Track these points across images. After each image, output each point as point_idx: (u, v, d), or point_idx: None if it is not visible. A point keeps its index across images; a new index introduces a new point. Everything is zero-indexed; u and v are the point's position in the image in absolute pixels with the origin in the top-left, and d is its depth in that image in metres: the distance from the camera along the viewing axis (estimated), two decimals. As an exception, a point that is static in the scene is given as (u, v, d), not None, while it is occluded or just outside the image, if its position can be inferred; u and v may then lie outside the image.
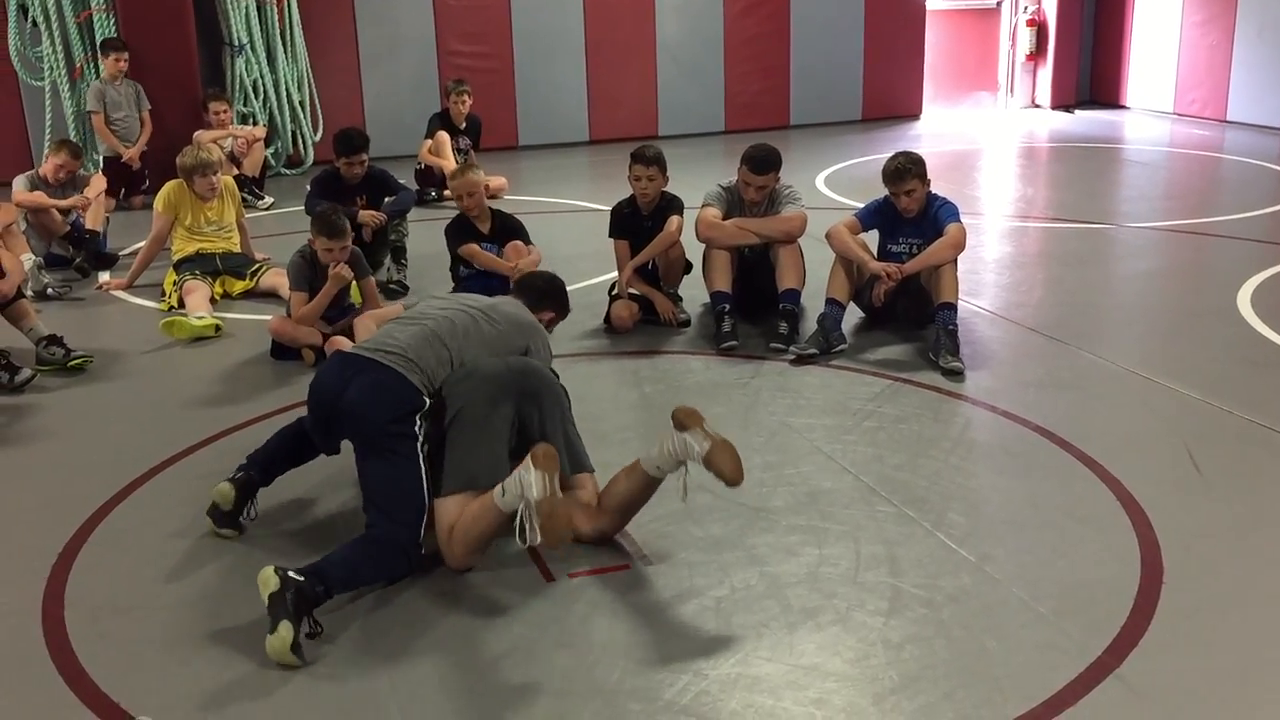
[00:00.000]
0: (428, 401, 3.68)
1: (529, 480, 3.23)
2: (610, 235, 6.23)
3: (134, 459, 4.56)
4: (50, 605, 3.50)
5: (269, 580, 3.19)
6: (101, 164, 9.80)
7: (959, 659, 3.12)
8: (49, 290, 7.01)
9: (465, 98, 9.75)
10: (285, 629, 3.10)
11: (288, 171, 11.27)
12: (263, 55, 10.87)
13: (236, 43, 10.63)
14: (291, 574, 3.21)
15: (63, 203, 7.59)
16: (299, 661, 3.12)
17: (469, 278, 6.24)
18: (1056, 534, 3.81)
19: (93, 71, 10.23)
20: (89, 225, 7.67)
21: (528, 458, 3.30)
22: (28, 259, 6.83)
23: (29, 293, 6.46)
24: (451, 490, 3.57)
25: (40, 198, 7.53)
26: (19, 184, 7.61)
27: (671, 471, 3.56)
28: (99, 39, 10.10)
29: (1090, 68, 14.77)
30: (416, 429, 3.62)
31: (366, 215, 6.96)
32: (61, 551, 3.83)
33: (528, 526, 3.24)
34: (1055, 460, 4.38)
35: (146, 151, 9.84)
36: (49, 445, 4.85)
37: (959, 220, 5.70)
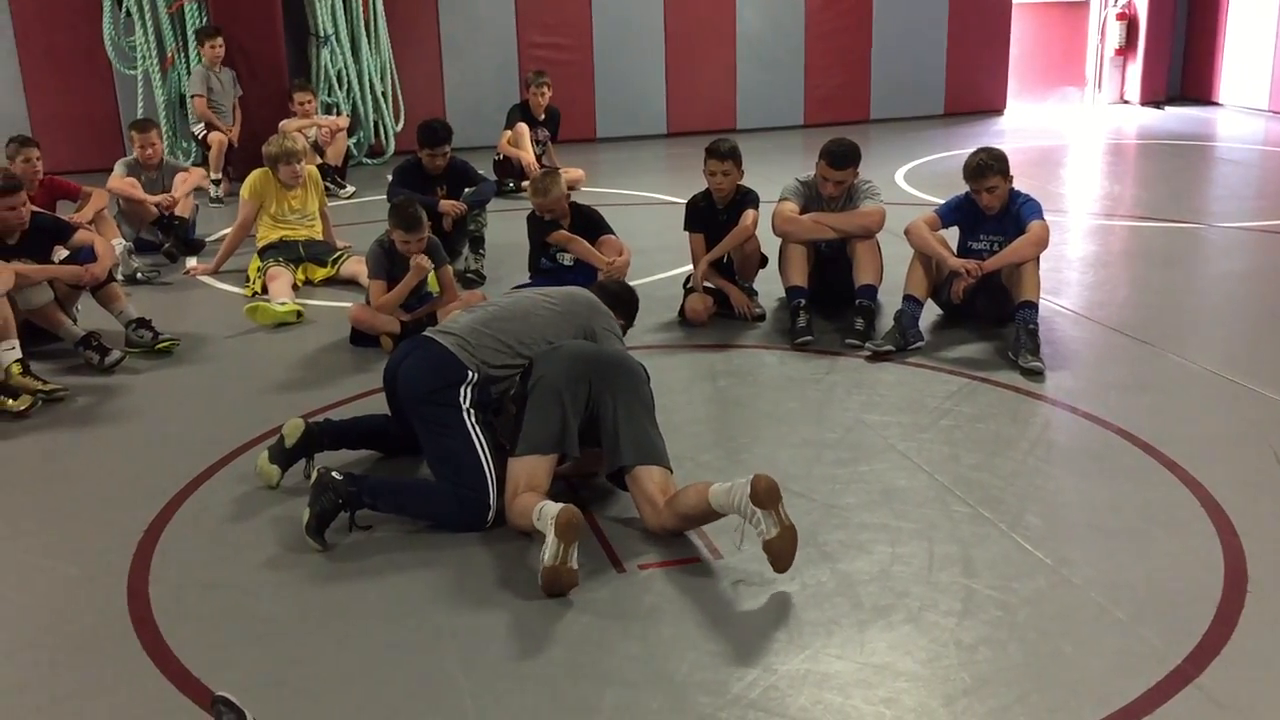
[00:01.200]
0: (473, 375, 3.95)
1: (549, 541, 3.40)
2: (685, 229, 6.23)
3: (217, 440, 4.67)
4: (135, 580, 3.61)
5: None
6: (194, 149, 10.07)
7: (1033, 662, 3.08)
8: (138, 275, 7.20)
9: (545, 89, 9.80)
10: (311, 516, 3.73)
11: (369, 161, 11.44)
12: (347, 46, 11.04)
13: (322, 33, 10.81)
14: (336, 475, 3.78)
15: (152, 199, 7.77)
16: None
17: (548, 270, 6.26)
18: (1137, 538, 3.74)
19: (183, 61, 10.49)
20: (178, 213, 7.86)
21: (555, 518, 3.39)
22: (118, 244, 7.03)
23: (119, 277, 6.64)
24: (521, 452, 3.78)
25: (133, 189, 7.72)
26: (117, 170, 7.83)
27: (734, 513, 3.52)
28: (189, 29, 10.35)
29: (1182, 63, 14.39)
30: (461, 399, 3.90)
31: (447, 205, 7.04)
32: (147, 528, 3.94)
33: (542, 560, 3.43)
34: (1137, 463, 4.29)
35: (241, 140, 10.07)
36: (136, 425, 4.99)
37: (1042, 217, 5.60)
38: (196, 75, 10.07)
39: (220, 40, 10.03)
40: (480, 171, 7.53)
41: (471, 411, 3.92)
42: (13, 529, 4.04)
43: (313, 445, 4.23)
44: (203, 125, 9.98)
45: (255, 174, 7.18)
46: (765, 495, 3.38)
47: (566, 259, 6.23)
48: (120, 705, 2.99)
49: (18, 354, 5.21)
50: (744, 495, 3.41)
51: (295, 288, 6.76)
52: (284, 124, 9.61)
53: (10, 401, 5.00)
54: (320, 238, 7.28)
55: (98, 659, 3.21)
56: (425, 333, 4.22)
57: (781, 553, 3.41)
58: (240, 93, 10.23)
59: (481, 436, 3.89)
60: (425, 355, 4.05)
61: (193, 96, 10.11)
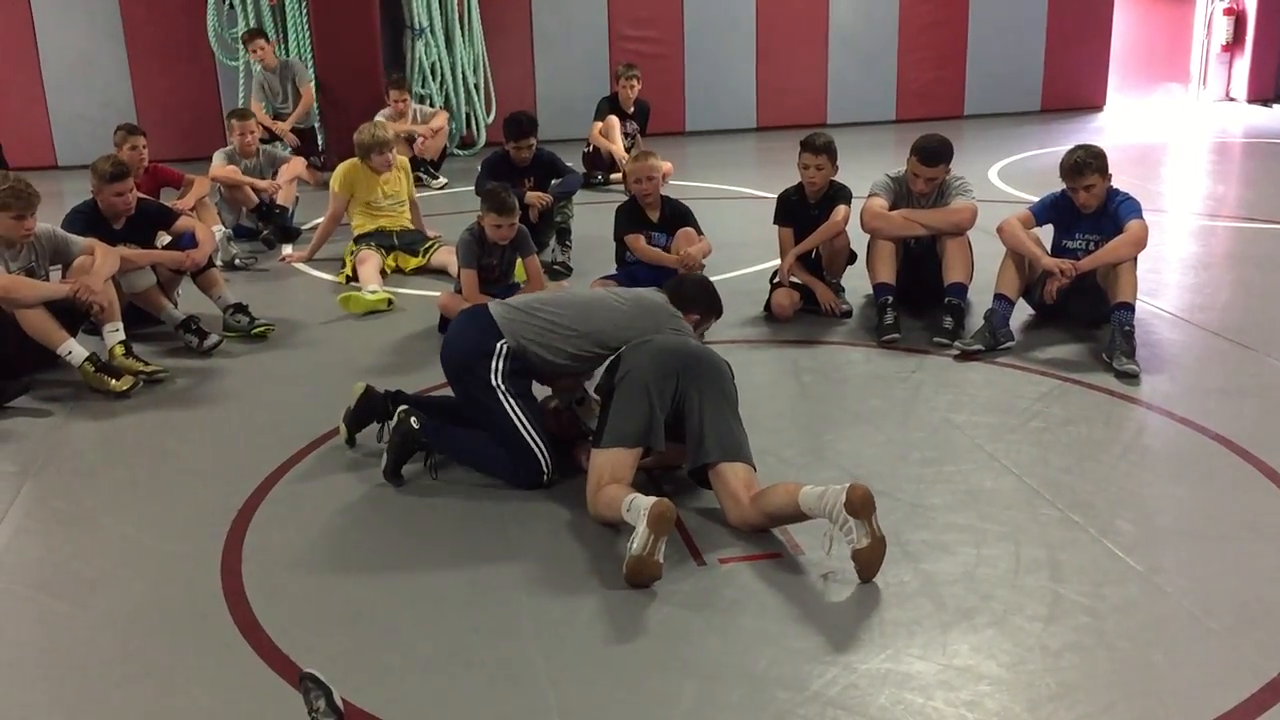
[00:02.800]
0: (503, 346, 4.11)
1: (640, 532, 3.42)
2: (775, 222, 6.19)
3: (310, 424, 4.77)
4: (229, 558, 3.71)
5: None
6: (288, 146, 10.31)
7: (1122, 671, 3.01)
8: (236, 261, 7.39)
9: (635, 82, 9.83)
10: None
11: (460, 153, 11.58)
12: (441, 38, 11.19)
13: (417, 26, 10.97)
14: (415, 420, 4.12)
15: (259, 183, 7.96)
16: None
17: (635, 264, 6.27)
18: (1233, 547, 3.64)
19: (284, 52, 10.72)
20: (279, 201, 8.04)
21: (648, 510, 3.41)
22: (218, 230, 7.22)
23: (219, 263, 6.82)
24: (607, 444, 3.81)
25: (235, 174, 7.92)
26: (217, 159, 8.04)
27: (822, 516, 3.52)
28: (289, 22, 10.58)
29: (1292, 59, 13.92)
30: (491, 374, 4.09)
31: (533, 197, 7.10)
32: (242, 507, 4.05)
33: (630, 550, 3.45)
34: (1235, 470, 4.17)
35: (316, 127, 10.20)
36: (232, 407, 5.13)
37: (1141, 216, 5.46)
38: (254, 84, 10.23)
39: (262, 41, 10.09)
40: (568, 164, 7.57)
41: (504, 386, 4.09)
42: (113, 505, 4.18)
43: (378, 409, 4.45)
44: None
45: (344, 165, 7.27)
46: (860, 505, 3.36)
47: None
48: (212, 679, 3.08)
49: (121, 335, 5.39)
50: (838, 503, 3.39)
51: (384, 274, 6.87)
52: (380, 118, 9.78)
53: (114, 382, 5.17)
54: (412, 226, 7.39)
55: (192, 633, 3.31)
56: (487, 305, 4.37)
57: (870, 563, 3.40)
58: (309, 79, 10.25)
59: (519, 410, 4.09)
60: (469, 321, 4.31)
61: (244, 101, 10.32)
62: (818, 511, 3.47)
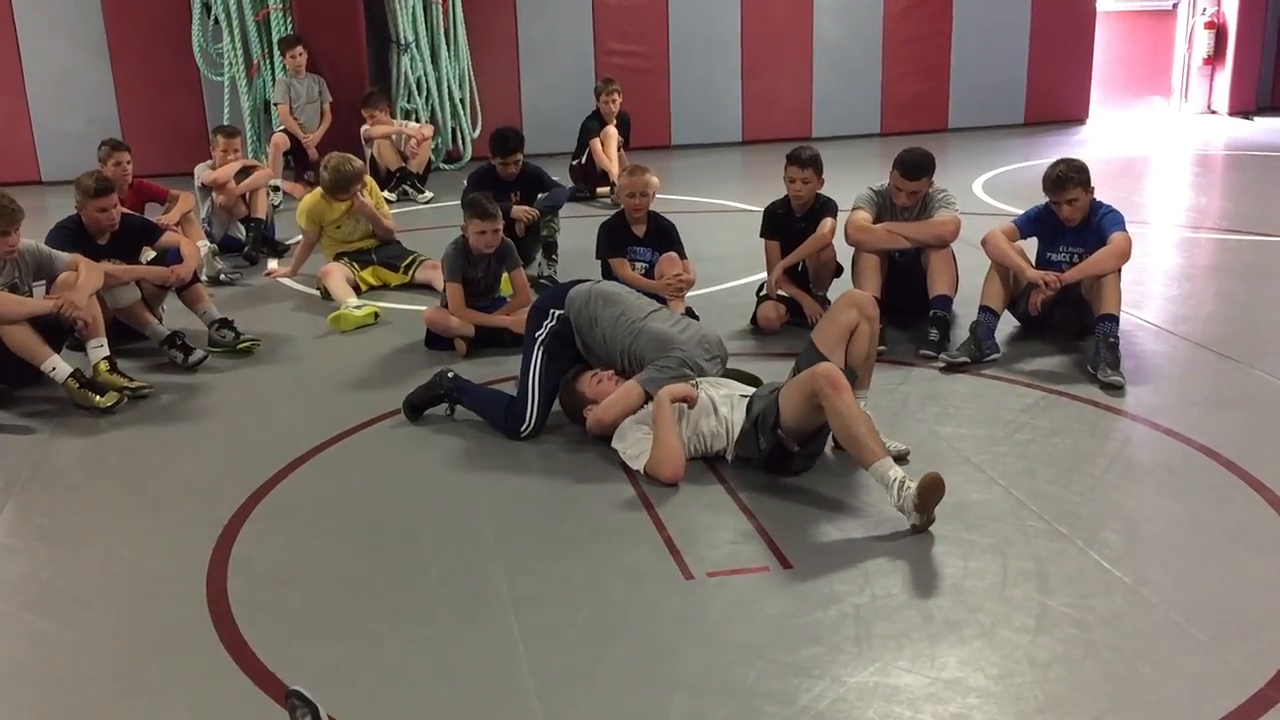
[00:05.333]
0: (554, 315, 4.76)
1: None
2: (762, 235, 6.20)
3: (296, 439, 4.76)
4: (215, 574, 3.69)
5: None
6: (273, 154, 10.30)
7: (1109, 682, 3.02)
8: (222, 276, 7.37)
9: (615, 96, 9.90)
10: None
11: (446, 167, 11.57)
12: (427, 53, 11.19)
13: (403, 41, 10.97)
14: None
15: (237, 181, 7.95)
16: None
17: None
18: (1219, 558, 3.65)
19: (269, 67, 10.72)
20: (253, 214, 8.02)
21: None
22: (203, 246, 7.19)
23: (204, 278, 6.79)
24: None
25: (219, 174, 7.88)
26: (200, 171, 8.01)
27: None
28: (275, 36, 10.58)
29: (1272, 72, 14.01)
30: (540, 328, 4.75)
31: (520, 210, 7.10)
32: (227, 523, 4.03)
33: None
34: (1220, 481, 4.19)
35: (322, 142, 10.28)
36: (218, 422, 5.10)
37: (1124, 229, 5.49)
38: (279, 85, 10.31)
39: (301, 49, 10.22)
40: (554, 178, 7.58)
41: (546, 340, 4.71)
42: (98, 521, 4.16)
43: (443, 389, 4.95)
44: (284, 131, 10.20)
45: (307, 201, 7.19)
46: (931, 496, 3.75)
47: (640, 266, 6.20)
48: (197, 697, 3.06)
49: (106, 352, 5.36)
50: (911, 495, 3.76)
51: (357, 289, 6.83)
52: (367, 130, 9.79)
53: (98, 398, 5.14)
54: (387, 241, 7.31)
55: (176, 651, 3.29)
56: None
57: (929, 501, 3.78)
58: (330, 99, 10.40)
59: (539, 366, 4.68)
60: (562, 285, 5.04)
61: (275, 104, 10.34)
62: (882, 487, 3.85)
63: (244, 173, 8.09)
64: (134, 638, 3.36)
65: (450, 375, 4.96)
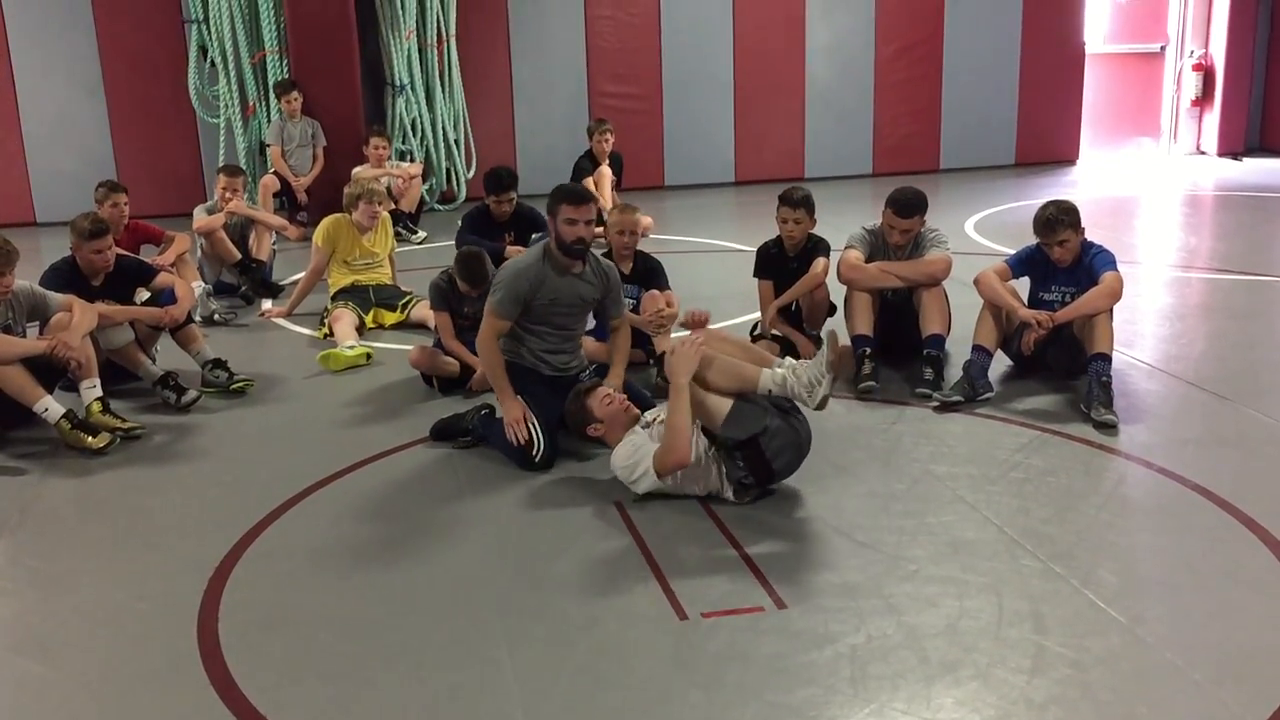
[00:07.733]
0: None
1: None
2: (755, 275, 6.23)
3: (289, 479, 4.74)
4: (206, 616, 3.66)
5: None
6: (279, 200, 10.37)
7: (1106, 723, 3.00)
8: (216, 316, 7.38)
9: (608, 135, 10.01)
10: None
11: (441, 207, 11.63)
12: (422, 95, 11.27)
13: (398, 83, 11.06)
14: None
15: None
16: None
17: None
18: (1215, 597, 3.64)
19: (264, 110, 10.80)
20: (256, 256, 8.04)
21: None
22: (198, 287, 7.20)
23: (198, 318, 6.80)
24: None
25: (216, 223, 7.91)
26: (199, 213, 8.04)
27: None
28: (271, 80, 10.66)
29: (1260, 113, 14.16)
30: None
31: (513, 251, 7.12)
32: (219, 564, 4.01)
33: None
34: (1215, 520, 4.19)
35: (312, 187, 10.35)
36: (211, 463, 5.09)
37: (1115, 268, 5.52)
38: (274, 128, 10.45)
39: (296, 94, 10.33)
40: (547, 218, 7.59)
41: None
42: (89, 563, 4.13)
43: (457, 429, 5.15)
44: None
45: (328, 221, 7.30)
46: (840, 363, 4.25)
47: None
48: (188, 740, 3.03)
49: (99, 392, 5.35)
50: (811, 367, 4.20)
51: (361, 330, 6.86)
52: (357, 171, 9.83)
53: (90, 439, 5.12)
54: (390, 282, 7.40)
55: (166, 693, 3.26)
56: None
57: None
58: (324, 143, 10.50)
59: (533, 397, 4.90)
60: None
61: (268, 145, 10.44)
62: (782, 390, 4.26)
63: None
64: (124, 680, 3.33)
65: (484, 413, 5.12)
